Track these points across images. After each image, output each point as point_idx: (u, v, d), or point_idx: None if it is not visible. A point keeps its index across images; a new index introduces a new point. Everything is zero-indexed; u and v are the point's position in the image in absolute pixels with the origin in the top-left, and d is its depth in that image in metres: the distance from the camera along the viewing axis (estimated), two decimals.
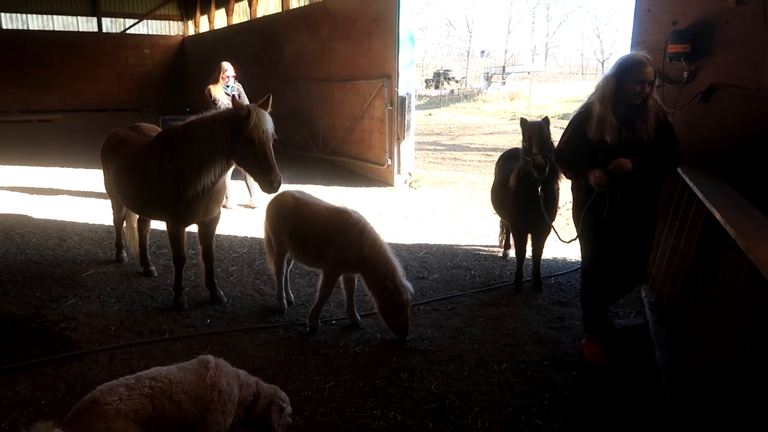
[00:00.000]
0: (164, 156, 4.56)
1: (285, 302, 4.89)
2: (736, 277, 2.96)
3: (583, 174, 3.80)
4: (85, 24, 23.30)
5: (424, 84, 43.42)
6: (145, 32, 23.86)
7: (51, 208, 8.53)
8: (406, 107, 10.10)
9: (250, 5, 17.10)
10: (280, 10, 15.19)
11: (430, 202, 9.21)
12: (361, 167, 11.46)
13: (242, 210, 8.54)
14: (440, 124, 23.14)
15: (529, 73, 38.03)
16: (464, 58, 57.16)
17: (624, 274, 4.03)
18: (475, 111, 28.31)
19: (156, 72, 22.92)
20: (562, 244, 4.83)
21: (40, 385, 3.68)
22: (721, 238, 3.25)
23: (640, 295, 5.01)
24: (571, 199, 4.25)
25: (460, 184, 10.90)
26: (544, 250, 5.44)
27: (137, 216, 5.71)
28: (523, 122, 4.90)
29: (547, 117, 5.03)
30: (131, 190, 5.04)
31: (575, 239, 4.52)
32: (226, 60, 8.46)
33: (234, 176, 6.61)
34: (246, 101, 6.87)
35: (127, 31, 23.26)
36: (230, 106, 4.49)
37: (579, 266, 5.92)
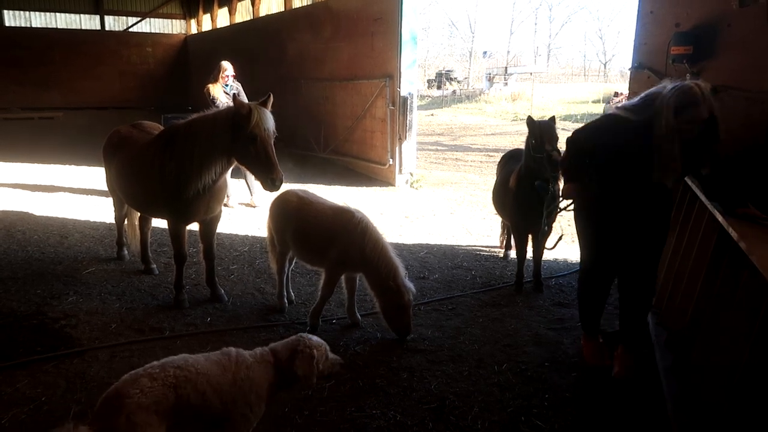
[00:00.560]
0: (166, 154, 4.57)
1: (286, 301, 4.89)
2: (738, 279, 2.96)
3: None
4: (88, 22, 23.33)
5: (427, 84, 43.46)
6: (148, 30, 23.92)
7: (52, 205, 8.54)
8: (408, 107, 10.11)
9: (252, 4, 17.12)
10: (282, 9, 15.20)
11: (431, 202, 9.21)
12: (363, 167, 11.46)
13: (243, 209, 8.55)
14: (442, 125, 23.14)
15: (531, 74, 38.05)
16: (466, 58, 57.22)
17: (628, 285, 3.80)
18: (477, 112, 28.33)
19: (158, 70, 22.96)
20: (562, 244, 4.83)
21: (41, 382, 3.68)
22: (723, 240, 3.25)
23: None
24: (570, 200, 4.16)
25: (462, 184, 10.90)
26: (544, 251, 5.43)
27: (138, 214, 5.72)
28: (532, 121, 4.89)
29: (553, 116, 5.03)
30: (133, 187, 5.05)
31: (555, 245, 4.72)
32: (227, 59, 8.48)
33: (234, 175, 6.60)
34: (245, 100, 6.89)
35: (130, 30, 23.30)
36: (229, 104, 4.49)
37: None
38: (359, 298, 4.90)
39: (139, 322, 4.61)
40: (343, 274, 4.45)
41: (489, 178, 10.95)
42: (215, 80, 8.12)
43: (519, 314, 4.86)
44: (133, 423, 2.26)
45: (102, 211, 8.03)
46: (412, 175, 10.61)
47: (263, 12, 16.76)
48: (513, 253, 6.09)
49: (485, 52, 53.83)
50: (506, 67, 41.26)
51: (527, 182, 4.97)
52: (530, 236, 5.39)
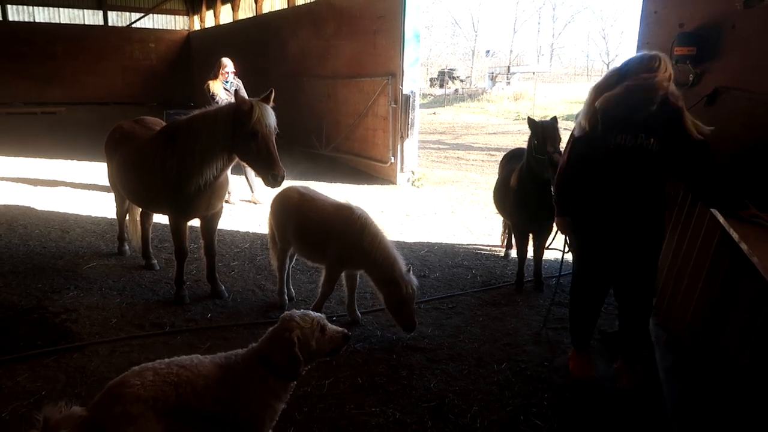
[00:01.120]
0: (167, 150, 4.57)
1: (286, 298, 4.90)
2: (738, 281, 2.96)
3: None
4: (91, 17, 23.36)
5: (429, 83, 43.40)
6: (151, 26, 23.93)
7: (54, 200, 8.55)
8: (410, 105, 10.10)
9: (255, 1, 17.11)
10: (285, 6, 15.19)
11: (432, 200, 9.21)
12: (364, 165, 11.46)
13: (245, 205, 8.55)
14: (444, 123, 23.12)
15: (534, 73, 37.99)
16: (469, 57, 57.12)
17: (627, 297, 3.71)
18: (479, 110, 28.29)
19: (161, 66, 22.98)
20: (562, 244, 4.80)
21: (41, 376, 3.69)
22: (724, 242, 3.24)
23: None
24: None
25: (463, 183, 10.90)
26: (545, 250, 5.43)
27: (140, 209, 5.72)
28: (533, 122, 4.87)
29: (555, 117, 5.02)
30: (134, 183, 5.05)
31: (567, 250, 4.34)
32: (229, 55, 8.46)
33: (235, 171, 6.61)
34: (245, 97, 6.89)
35: (133, 25, 23.30)
36: (229, 101, 4.49)
37: None
38: (359, 296, 4.91)
39: (139, 318, 4.62)
40: (343, 272, 4.44)
41: (490, 177, 10.94)
42: (215, 77, 8.12)
43: (519, 313, 4.86)
44: (128, 413, 2.25)
45: (103, 206, 8.04)
46: (413, 173, 10.60)
47: (266, 9, 16.75)
48: (514, 253, 6.09)
49: (488, 51, 53.87)
50: (509, 66, 41.19)
51: (528, 181, 4.97)
52: (531, 235, 5.38)
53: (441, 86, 39.96)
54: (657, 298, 4.65)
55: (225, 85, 8.08)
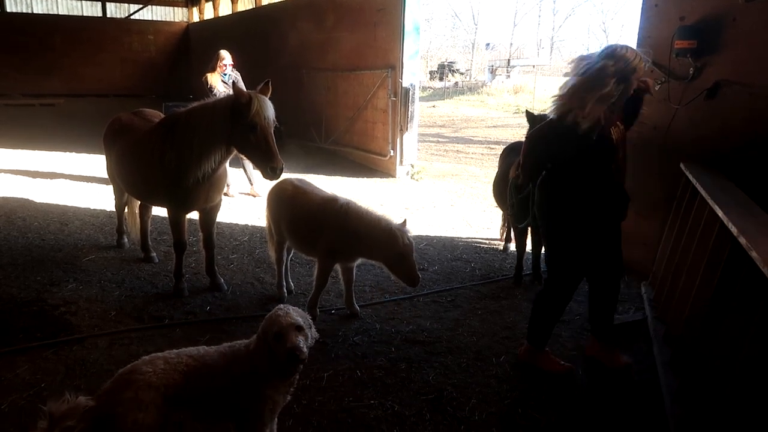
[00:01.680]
0: (166, 143, 4.55)
1: (285, 291, 4.90)
2: (737, 275, 2.96)
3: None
4: (90, 8, 23.25)
5: (429, 76, 43.25)
6: (150, 18, 23.82)
7: (53, 192, 8.53)
8: (410, 98, 10.07)
9: None
10: None
11: (431, 194, 9.20)
12: (364, 158, 11.44)
13: (244, 198, 8.54)
14: (444, 116, 23.08)
15: (534, 66, 37.87)
16: (469, 50, 56.91)
17: (602, 283, 3.82)
18: (478, 104, 28.22)
19: (159, 58, 22.89)
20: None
21: (40, 368, 3.70)
22: (723, 236, 3.25)
23: (640, 291, 5.01)
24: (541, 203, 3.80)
25: (462, 176, 10.88)
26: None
27: (139, 202, 5.71)
28: (531, 115, 4.86)
29: None
30: (133, 175, 5.04)
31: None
32: (228, 48, 8.44)
33: (233, 164, 6.59)
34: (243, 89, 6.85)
35: (132, 17, 23.19)
36: (228, 93, 4.47)
37: None
38: (359, 290, 4.92)
39: (138, 310, 4.62)
40: (335, 264, 4.42)
41: (490, 170, 10.93)
42: (213, 69, 8.09)
43: (518, 307, 4.87)
44: (140, 399, 2.27)
45: (102, 198, 8.03)
46: (413, 166, 10.59)
47: (265, 1, 16.68)
48: (513, 246, 6.09)
49: (488, 44, 53.69)
50: (509, 60, 41.04)
51: None
52: (530, 229, 5.38)
53: (441, 79, 39.83)
54: (655, 292, 4.66)
55: (223, 78, 8.06)
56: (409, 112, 10.14)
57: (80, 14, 22.99)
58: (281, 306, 2.65)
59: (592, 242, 3.62)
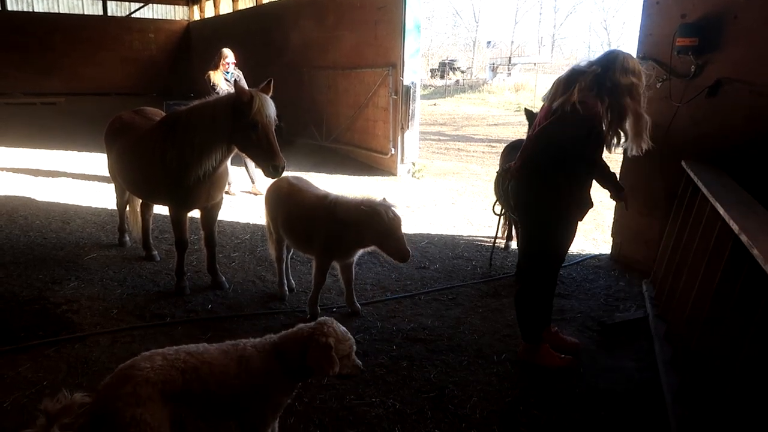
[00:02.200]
0: (167, 141, 4.56)
1: (286, 289, 4.91)
2: (738, 272, 2.96)
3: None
4: (90, 7, 23.25)
5: (430, 74, 43.21)
6: (151, 16, 23.80)
7: (54, 191, 8.54)
8: (411, 96, 10.07)
9: None
10: None
11: (432, 192, 9.20)
12: (365, 156, 11.44)
13: (245, 196, 8.55)
14: (445, 114, 23.06)
15: (535, 64, 37.83)
16: (470, 48, 56.83)
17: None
18: (479, 102, 28.20)
19: (160, 56, 22.88)
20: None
21: (42, 366, 3.71)
22: (724, 234, 3.25)
23: (641, 289, 5.01)
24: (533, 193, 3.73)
25: (464, 174, 10.88)
26: None
27: (140, 200, 5.72)
28: (531, 113, 4.86)
29: None
30: (134, 174, 5.04)
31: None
32: (229, 46, 8.44)
33: (235, 162, 6.60)
34: (246, 87, 6.86)
35: (132, 15, 23.18)
36: (230, 91, 4.47)
37: (581, 259, 5.94)
38: (360, 287, 4.93)
39: (140, 309, 4.63)
40: (332, 261, 4.41)
41: (491, 168, 10.92)
42: (216, 67, 8.10)
43: None
44: (138, 395, 2.27)
45: (104, 197, 8.03)
46: (414, 164, 10.59)
47: None
48: (514, 244, 6.10)
49: (489, 42, 53.61)
50: (510, 57, 41.05)
51: None
52: None
53: (442, 77, 39.80)
54: (656, 291, 4.66)
55: (226, 76, 8.06)
56: (410, 111, 10.13)
57: (81, 13, 22.97)
58: (330, 321, 2.62)
59: (572, 233, 3.79)
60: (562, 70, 4.78)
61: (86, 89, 21.05)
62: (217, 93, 7.21)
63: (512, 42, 57.14)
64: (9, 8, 21.65)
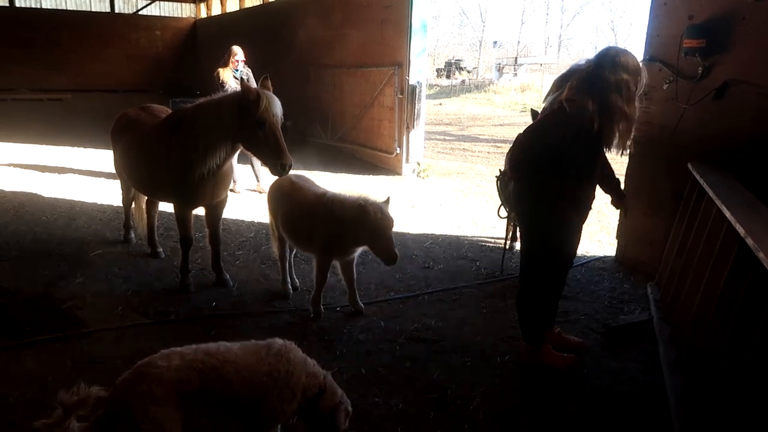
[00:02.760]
0: (172, 138, 4.57)
1: (290, 287, 4.91)
2: (744, 276, 2.95)
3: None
4: (98, 4, 23.32)
5: (435, 73, 43.16)
6: (157, 14, 23.83)
7: (60, 186, 8.58)
8: (417, 96, 10.06)
9: None
10: None
11: (437, 192, 9.19)
12: (370, 155, 11.44)
13: (250, 194, 8.56)
14: (450, 114, 23.04)
15: (541, 65, 37.77)
16: (476, 48, 56.77)
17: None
18: (485, 102, 28.17)
19: (167, 54, 22.89)
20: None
21: (47, 362, 3.72)
22: (730, 236, 3.23)
23: (646, 291, 4.99)
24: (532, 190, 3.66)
25: (469, 175, 10.86)
26: None
27: (145, 197, 5.74)
28: (536, 113, 4.84)
29: None
30: (139, 171, 5.06)
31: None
32: (237, 44, 8.45)
33: (240, 160, 6.60)
34: (254, 86, 6.87)
35: (139, 12, 23.22)
36: (238, 89, 4.47)
37: (585, 261, 5.93)
38: (364, 287, 4.93)
39: (144, 305, 4.65)
40: (332, 259, 4.39)
41: (496, 168, 10.87)
42: (225, 65, 8.11)
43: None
44: (153, 393, 2.28)
45: (109, 193, 8.06)
46: (419, 164, 10.58)
47: None
48: (518, 245, 6.07)
49: (495, 42, 53.37)
50: (516, 58, 40.96)
51: None
52: None
53: (447, 77, 39.77)
54: (661, 293, 4.65)
55: (235, 74, 8.06)
56: (416, 110, 10.12)
57: (88, 9, 23.04)
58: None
59: (573, 235, 3.74)
60: None
61: (93, 86, 21.08)
62: (225, 90, 7.22)
63: (519, 42, 57.07)
64: (17, 4, 21.73)
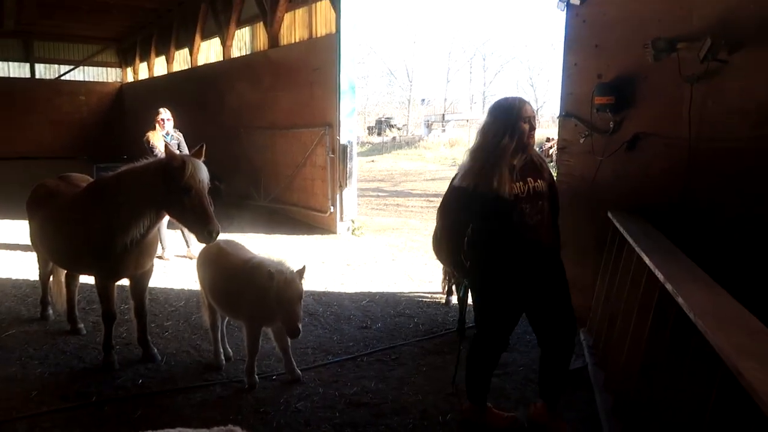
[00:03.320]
0: (93, 207, 4.39)
1: (222, 358, 4.70)
2: (667, 320, 3.05)
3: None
4: (18, 70, 22.57)
5: (367, 131, 44.12)
6: (82, 79, 23.32)
7: None
8: (348, 155, 10.17)
9: (190, 53, 17.03)
10: (221, 59, 15.18)
11: (372, 249, 9.20)
12: (304, 215, 11.38)
13: (180, 261, 8.26)
14: (383, 171, 23.41)
15: (467, 120, 39.33)
16: (405, 105, 58.56)
17: (552, 344, 3.73)
18: (416, 157, 28.89)
19: (92, 119, 22.32)
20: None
21: None
22: (651, 281, 3.36)
23: (579, 338, 5.08)
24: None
25: (403, 230, 10.97)
26: None
27: (65, 271, 5.42)
28: None
29: None
30: (58, 243, 4.80)
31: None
32: (165, 106, 8.32)
33: (169, 226, 6.40)
34: (186, 151, 6.75)
35: (63, 78, 22.66)
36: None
37: None
38: (301, 352, 4.79)
39: (63, 388, 4.30)
40: (262, 326, 4.24)
41: (430, 223, 11.06)
42: (154, 128, 7.94)
43: (461, 361, 4.82)
44: None
45: (25, 268, 7.57)
46: (353, 222, 10.60)
47: (201, 61, 16.68)
48: (455, 299, 6.11)
49: (423, 100, 55.42)
50: (444, 114, 42.55)
51: None
52: None
53: (379, 134, 40.70)
54: (594, 339, 4.75)
55: (165, 138, 7.85)
56: (348, 169, 10.22)
57: (7, 75, 22.27)
58: None
59: (521, 293, 3.58)
60: None
61: (13, 153, 20.14)
62: (156, 155, 7.05)
63: (445, 99, 59.34)
64: None
